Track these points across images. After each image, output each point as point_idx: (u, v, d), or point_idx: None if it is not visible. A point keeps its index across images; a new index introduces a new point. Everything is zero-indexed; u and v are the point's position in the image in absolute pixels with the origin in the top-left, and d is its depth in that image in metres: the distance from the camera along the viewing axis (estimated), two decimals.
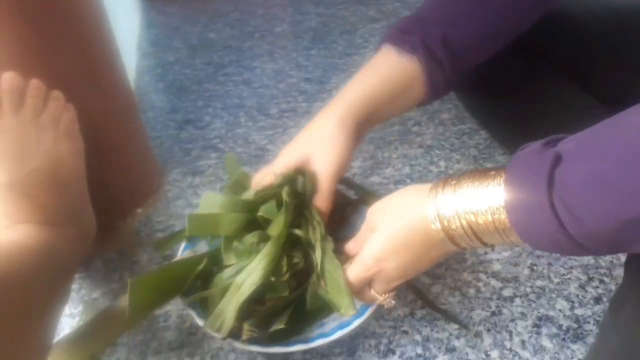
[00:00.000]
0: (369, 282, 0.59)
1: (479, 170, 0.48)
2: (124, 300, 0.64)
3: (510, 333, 0.67)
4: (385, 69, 0.66)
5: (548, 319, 0.69)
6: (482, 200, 0.46)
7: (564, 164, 0.40)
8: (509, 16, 0.67)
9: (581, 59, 0.80)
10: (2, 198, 0.63)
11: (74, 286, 0.75)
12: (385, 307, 0.60)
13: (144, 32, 1.58)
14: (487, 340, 0.67)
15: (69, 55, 0.69)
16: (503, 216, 0.44)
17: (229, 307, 0.58)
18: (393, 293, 0.60)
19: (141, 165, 0.91)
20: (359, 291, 0.60)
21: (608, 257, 0.77)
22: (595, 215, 0.37)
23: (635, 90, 0.71)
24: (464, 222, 0.47)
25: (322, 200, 0.63)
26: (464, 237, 0.48)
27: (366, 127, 0.67)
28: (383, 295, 0.59)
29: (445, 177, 0.51)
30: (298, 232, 0.62)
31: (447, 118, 1.10)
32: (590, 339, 0.66)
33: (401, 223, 0.53)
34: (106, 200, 0.80)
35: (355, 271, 0.57)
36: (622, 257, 0.77)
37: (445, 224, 0.49)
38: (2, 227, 0.64)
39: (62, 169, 0.66)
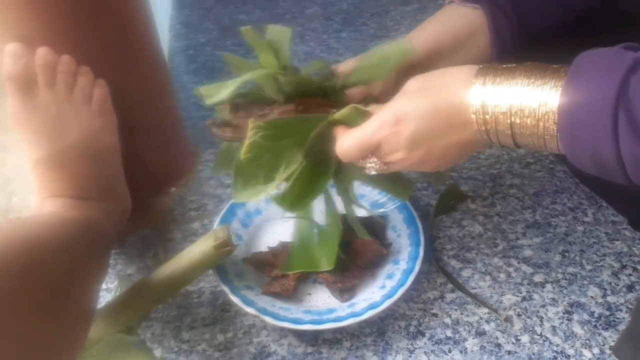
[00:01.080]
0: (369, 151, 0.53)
1: (536, 65, 0.44)
2: (158, 274, 0.66)
3: (541, 318, 0.67)
4: (449, 18, 0.64)
5: (579, 305, 0.69)
6: (535, 98, 0.42)
7: None
8: None
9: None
10: (40, 173, 0.65)
11: (110, 262, 0.77)
12: (367, 168, 0.54)
13: (176, 13, 1.59)
14: (518, 325, 0.67)
15: (109, 31, 0.70)
16: (552, 119, 0.41)
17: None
18: (382, 166, 0.54)
19: (175, 144, 0.93)
20: (360, 152, 0.53)
21: None
22: None
23: None
24: (508, 119, 0.44)
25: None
26: (502, 133, 0.45)
27: (426, 70, 0.61)
28: (377, 163, 0.54)
29: (498, 63, 0.47)
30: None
31: None
32: (623, 327, 0.66)
33: (438, 95, 0.48)
34: (140, 178, 0.82)
35: (364, 129, 0.52)
36: None
37: (487, 116, 0.45)
38: (40, 199, 0.66)
39: (96, 144, 0.68)
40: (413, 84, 0.51)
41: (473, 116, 0.46)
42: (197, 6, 1.62)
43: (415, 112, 0.49)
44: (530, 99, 0.42)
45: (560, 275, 0.73)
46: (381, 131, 0.50)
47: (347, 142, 0.53)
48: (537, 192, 0.86)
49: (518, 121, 0.43)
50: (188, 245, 0.68)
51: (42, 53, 0.64)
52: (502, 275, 0.73)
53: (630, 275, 0.72)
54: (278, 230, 0.78)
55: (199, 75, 1.25)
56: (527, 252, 0.76)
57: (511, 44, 0.64)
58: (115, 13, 0.70)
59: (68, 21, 0.65)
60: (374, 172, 0.54)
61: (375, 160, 0.53)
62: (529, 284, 0.72)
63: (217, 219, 0.77)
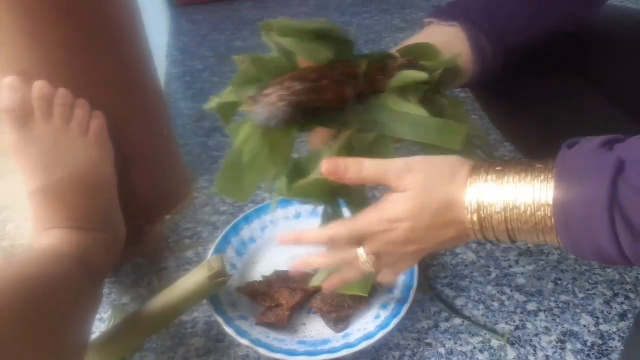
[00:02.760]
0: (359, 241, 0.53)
1: (522, 162, 0.46)
2: (152, 305, 0.66)
3: (535, 348, 0.67)
4: (427, 39, 0.63)
5: (573, 334, 0.69)
6: (527, 194, 0.43)
7: (627, 173, 0.38)
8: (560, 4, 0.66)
9: (612, 73, 0.80)
10: (36, 204, 0.66)
11: (104, 291, 0.77)
12: (361, 266, 0.54)
13: (173, 39, 1.61)
14: (511, 354, 0.67)
15: (106, 63, 0.72)
16: (548, 214, 0.42)
17: None
18: (374, 261, 0.53)
19: (171, 172, 0.93)
20: (349, 240, 0.53)
21: (634, 273, 0.77)
22: None
23: None
24: (503, 218, 0.45)
25: None
26: (498, 231, 0.46)
27: None
28: (368, 256, 0.53)
29: (488, 163, 0.48)
30: None
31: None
32: (615, 356, 0.66)
33: (434, 196, 0.48)
34: (136, 206, 0.82)
35: (360, 222, 0.52)
36: None
37: (482, 216, 0.46)
38: (36, 232, 0.66)
39: (92, 175, 0.69)
40: (410, 183, 0.50)
41: (468, 216, 0.47)
42: (194, 33, 1.64)
43: (413, 217, 0.49)
44: (523, 197, 0.44)
45: (553, 304, 0.73)
46: (376, 227, 0.51)
47: (341, 230, 0.53)
48: None
49: (515, 217, 0.44)
50: (182, 274, 0.69)
51: (39, 86, 0.65)
52: (496, 304, 0.73)
53: (623, 303, 0.73)
54: (273, 259, 0.78)
55: (196, 102, 1.27)
56: (520, 280, 0.77)
57: (492, 61, 0.63)
58: (112, 46, 0.72)
59: (65, 55, 0.67)
60: (371, 270, 0.54)
61: (367, 259, 0.53)
62: (522, 313, 0.72)
63: (212, 248, 0.77)
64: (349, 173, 0.51)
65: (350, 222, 0.53)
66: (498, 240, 0.48)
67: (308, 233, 0.55)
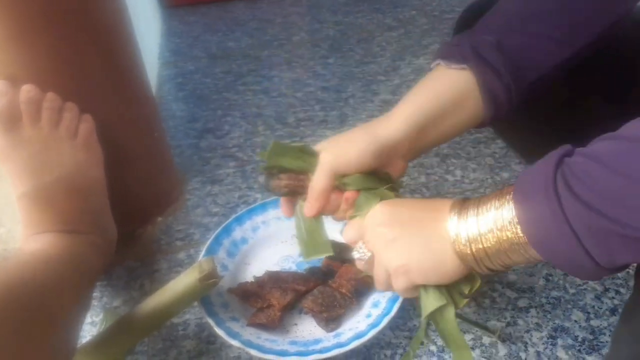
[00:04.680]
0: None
1: (496, 193, 0.48)
2: (143, 308, 0.66)
3: (526, 344, 0.68)
4: (433, 83, 0.61)
5: (563, 330, 0.69)
6: (498, 219, 0.45)
7: (572, 156, 0.41)
8: (576, 16, 0.60)
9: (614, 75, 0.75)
10: (25, 208, 0.66)
11: (96, 294, 0.77)
12: (356, 256, 0.58)
13: (165, 41, 1.61)
14: (502, 351, 0.67)
15: (95, 66, 0.72)
16: (518, 231, 0.44)
17: None
18: (367, 253, 0.57)
19: (162, 174, 0.93)
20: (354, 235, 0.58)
21: None
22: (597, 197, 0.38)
23: None
24: (481, 244, 0.47)
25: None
26: (482, 258, 0.48)
27: (412, 148, 0.62)
28: (361, 249, 0.57)
29: (461, 201, 0.50)
30: None
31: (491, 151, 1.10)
32: (606, 351, 0.66)
33: (422, 231, 0.52)
34: (127, 209, 0.82)
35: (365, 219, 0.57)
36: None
37: (464, 246, 0.48)
38: (26, 236, 0.66)
39: (81, 179, 0.69)
40: (393, 228, 0.54)
41: (452, 246, 0.49)
42: (186, 34, 1.64)
43: (394, 204, 0.56)
44: (494, 221, 0.46)
45: (544, 300, 0.73)
46: (370, 218, 0.56)
47: (348, 228, 0.59)
48: None
49: (491, 243, 0.46)
50: (174, 276, 0.68)
51: (27, 90, 0.65)
52: (487, 301, 0.73)
53: (613, 298, 0.73)
54: (264, 259, 0.78)
55: (188, 103, 1.27)
56: (512, 277, 0.77)
57: (506, 103, 0.60)
58: (101, 49, 0.72)
59: (53, 58, 0.67)
60: (357, 256, 0.57)
61: (361, 245, 0.57)
62: (513, 309, 0.72)
63: (203, 249, 0.77)
64: None
65: (355, 223, 0.59)
66: (487, 268, 0.49)
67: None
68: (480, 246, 0.47)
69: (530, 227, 0.43)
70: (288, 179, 0.63)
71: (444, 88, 0.59)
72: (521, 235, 0.44)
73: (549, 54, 0.60)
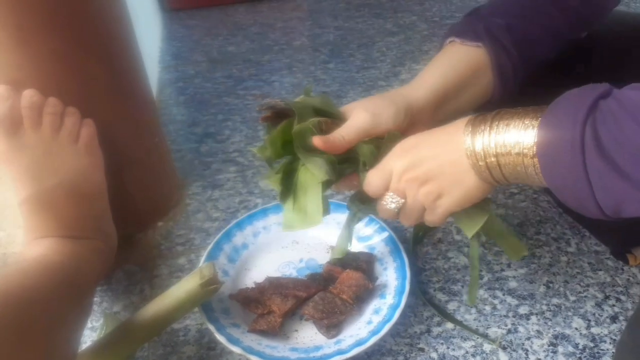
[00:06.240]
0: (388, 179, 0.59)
1: (516, 109, 0.49)
2: (143, 313, 0.66)
3: (526, 351, 0.68)
4: (452, 58, 0.66)
5: (564, 337, 0.69)
6: (515, 137, 0.46)
7: (612, 97, 0.41)
8: (574, 11, 0.68)
9: (613, 78, 0.78)
10: (26, 213, 0.66)
11: (96, 299, 0.77)
12: (387, 205, 0.59)
13: (166, 45, 1.61)
14: (503, 358, 0.67)
15: (96, 70, 0.72)
16: (529, 155, 0.45)
17: None
18: (396, 197, 0.59)
19: (163, 179, 0.93)
20: (381, 180, 0.59)
21: (625, 275, 0.77)
22: (622, 156, 0.39)
23: None
24: (494, 158, 0.48)
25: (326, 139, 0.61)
26: (494, 169, 0.49)
27: (432, 116, 0.66)
28: (392, 195, 0.59)
29: (481, 114, 0.51)
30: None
31: None
32: (607, 359, 0.66)
33: (436, 132, 0.55)
34: (128, 213, 0.82)
35: (384, 160, 0.58)
36: (639, 276, 0.77)
37: (479, 157, 0.49)
38: (27, 241, 0.66)
39: (83, 183, 0.69)
40: (409, 140, 0.57)
41: (467, 159, 0.51)
42: (187, 38, 1.64)
43: (418, 138, 0.56)
44: (511, 138, 0.47)
45: (544, 307, 0.73)
46: (396, 158, 0.57)
47: (369, 177, 0.59)
48: (521, 223, 0.87)
49: (502, 160, 0.48)
50: (175, 281, 0.68)
51: (28, 95, 0.65)
52: (488, 308, 0.73)
53: (614, 305, 0.73)
54: (265, 265, 0.78)
55: (189, 107, 1.27)
56: (512, 284, 0.77)
57: (513, 80, 0.66)
58: (102, 54, 0.72)
59: (55, 63, 0.67)
60: (393, 205, 0.59)
61: (391, 194, 0.58)
62: (514, 316, 0.72)
63: (204, 254, 0.77)
64: None
65: (374, 169, 0.59)
66: (496, 180, 0.51)
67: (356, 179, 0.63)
68: (496, 161, 0.49)
69: (547, 163, 0.44)
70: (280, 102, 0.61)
71: (461, 63, 0.65)
72: (537, 165, 0.45)
73: (548, 41, 0.67)
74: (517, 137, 0.46)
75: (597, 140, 0.40)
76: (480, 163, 0.50)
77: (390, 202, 0.59)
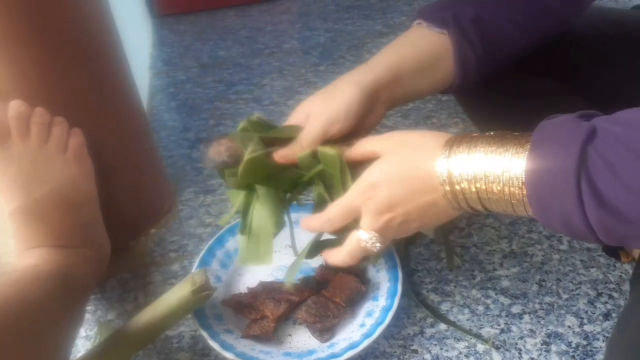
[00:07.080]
0: (355, 219, 0.57)
1: (497, 134, 0.47)
2: (137, 321, 0.65)
3: (520, 351, 0.68)
4: (414, 40, 0.65)
5: (557, 335, 0.70)
6: (498, 165, 0.45)
7: (598, 140, 0.39)
8: (544, 9, 0.67)
9: (589, 74, 0.80)
10: (17, 223, 0.66)
11: (89, 308, 0.77)
12: (369, 247, 0.57)
13: (156, 51, 1.61)
14: (497, 358, 0.67)
15: (82, 78, 0.71)
16: (518, 185, 0.43)
17: None
18: (377, 236, 0.56)
19: (154, 185, 0.93)
20: (344, 215, 0.57)
21: (617, 272, 0.78)
22: (622, 202, 0.37)
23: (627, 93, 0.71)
24: (473, 186, 0.47)
25: (289, 149, 0.62)
26: (470, 199, 0.48)
27: (390, 95, 0.65)
28: (369, 233, 0.56)
29: (463, 135, 0.49)
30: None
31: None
32: (600, 356, 0.66)
33: (408, 163, 0.52)
34: (120, 221, 0.82)
35: (346, 196, 0.56)
36: (631, 272, 0.77)
37: (455, 184, 0.48)
38: (18, 251, 0.66)
39: (73, 193, 0.68)
40: (387, 146, 0.55)
41: (440, 186, 0.49)
42: (177, 44, 1.64)
43: (387, 179, 0.53)
44: (493, 166, 0.45)
45: (537, 306, 0.73)
46: (359, 197, 0.55)
47: (333, 209, 0.58)
48: (513, 221, 0.88)
49: (484, 187, 0.46)
50: (168, 288, 0.68)
51: (15, 105, 0.65)
52: (481, 308, 0.74)
53: (606, 303, 0.73)
54: (258, 270, 0.78)
55: (180, 113, 1.27)
56: (505, 283, 0.77)
57: (474, 72, 0.65)
58: (88, 62, 0.72)
59: (40, 73, 0.67)
60: (379, 246, 0.57)
61: (374, 233, 0.56)
62: (507, 316, 0.72)
63: (197, 260, 0.77)
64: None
65: (339, 200, 0.57)
66: (474, 209, 0.50)
67: (310, 220, 0.61)
68: (474, 189, 0.47)
69: (542, 215, 0.43)
70: (229, 142, 0.61)
71: (422, 47, 0.64)
72: (520, 188, 0.44)
73: (517, 37, 0.67)
74: (499, 165, 0.45)
75: (594, 192, 0.38)
76: (460, 201, 0.49)
77: (373, 243, 0.57)
